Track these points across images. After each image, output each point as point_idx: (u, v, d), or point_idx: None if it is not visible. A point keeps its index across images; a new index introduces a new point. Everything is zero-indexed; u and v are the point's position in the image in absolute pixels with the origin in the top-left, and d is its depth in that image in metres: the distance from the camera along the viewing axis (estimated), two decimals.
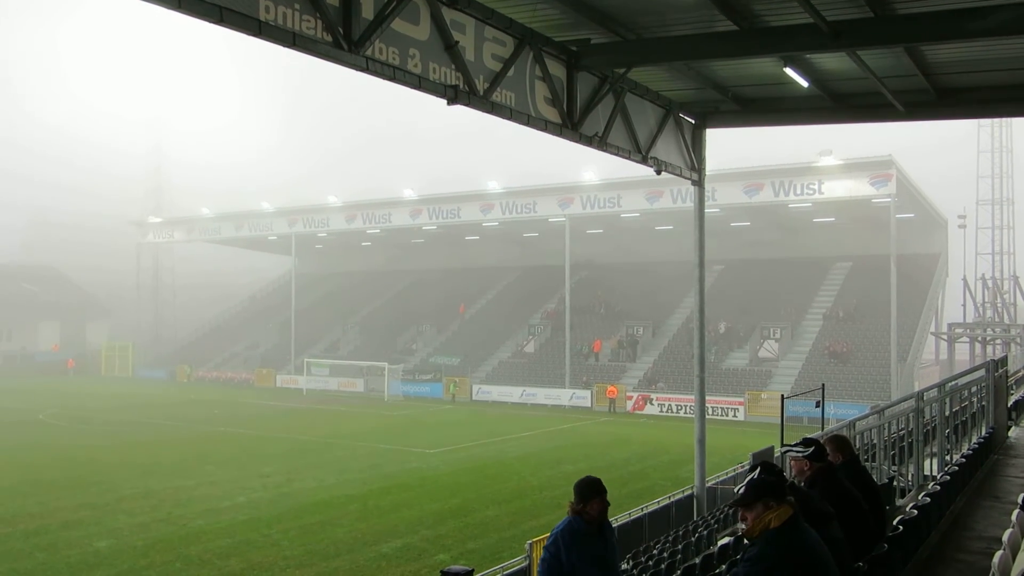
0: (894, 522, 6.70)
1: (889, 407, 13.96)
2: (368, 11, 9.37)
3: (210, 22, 7.96)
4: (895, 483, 11.02)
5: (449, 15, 10.62)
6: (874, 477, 9.17)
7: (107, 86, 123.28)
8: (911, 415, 12.29)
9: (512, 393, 48.23)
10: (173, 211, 76.47)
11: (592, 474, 6.65)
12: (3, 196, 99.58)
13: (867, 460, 12.22)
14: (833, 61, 13.89)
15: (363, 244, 69.71)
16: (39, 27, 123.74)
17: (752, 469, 5.45)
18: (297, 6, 8.64)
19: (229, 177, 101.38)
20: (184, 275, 79.97)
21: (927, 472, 11.62)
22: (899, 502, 10.46)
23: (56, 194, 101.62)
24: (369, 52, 9.45)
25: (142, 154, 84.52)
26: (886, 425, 12.89)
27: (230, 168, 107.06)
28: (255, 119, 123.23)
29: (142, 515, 20.59)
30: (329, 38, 8.98)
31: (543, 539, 13.94)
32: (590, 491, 6.32)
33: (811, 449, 6.24)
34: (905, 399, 14.03)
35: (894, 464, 12.32)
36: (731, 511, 15.63)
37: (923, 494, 8.41)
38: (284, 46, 8.72)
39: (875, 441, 12.82)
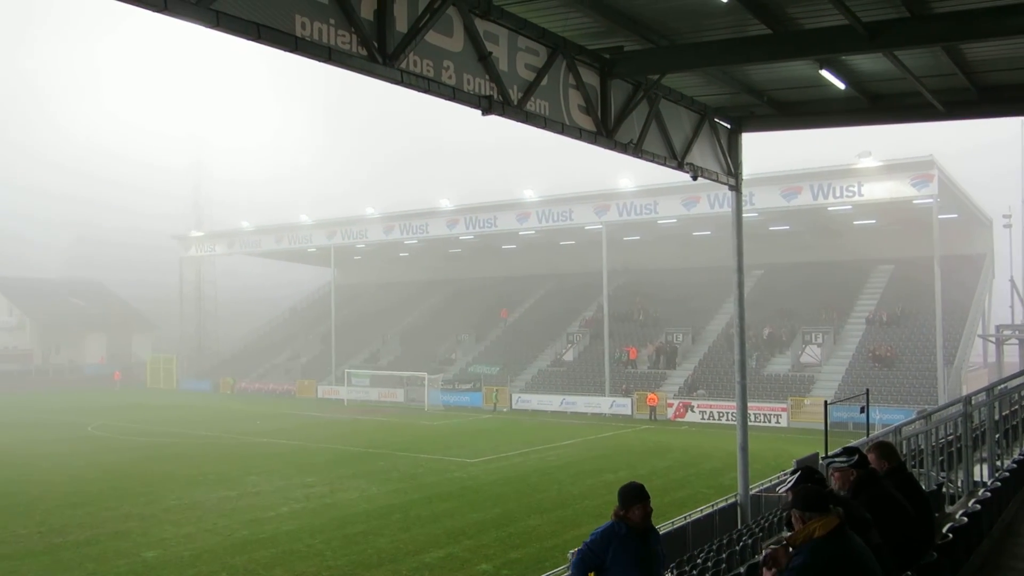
0: (944, 530, 6.58)
1: (936, 412, 13.73)
2: (402, 24, 9.43)
3: (247, 39, 8.07)
4: (944, 490, 10.83)
5: (482, 26, 10.66)
6: (922, 484, 9.02)
7: (147, 103, 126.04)
8: (959, 420, 12.07)
9: (552, 402, 48.15)
10: (214, 226, 77.57)
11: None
12: (49, 215, 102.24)
13: (914, 467, 12.02)
14: (870, 62, 13.72)
15: (401, 255, 70.13)
16: (79, 46, 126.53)
17: (793, 474, 5.44)
18: (332, 21, 8.72)
19: (268, 193, 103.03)
20: (226, 288, 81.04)
21: (977, 478, 11.41)
22: (948, 509, 10.28)
23: (99, 211, 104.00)
24: (404, 65, 9.51)
25: (182, 170, 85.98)
26: (933, 430, 12.67)
27: (268, 184, 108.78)
28: (293, 136, 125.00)
29: (188, 525, 20.87)
30: (364, 52, 9.05)
31: None
32: (631, 497, 6.39)
33: (855, 457, 6.17)
34: (953, 404, 13.79)
35: (942, 470, 12.10)
36: (776, 519, 15.45)
37: (973, 501, 8.24)
38: (320, 61, 8.80)
39: (922, 447, 12.60)
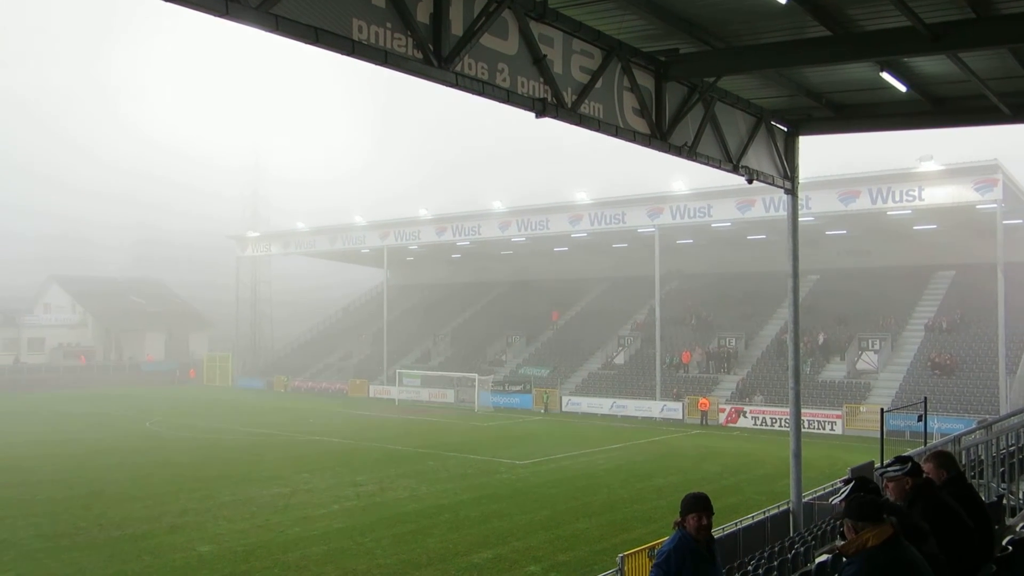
0: (1003, 542, 6.42)
1: (997, 421, 13.42)
2: (457, 27, 9.49)
3: (305, 43, 8.19)
4: (1005, 502, 10.58)
5: (537, 29, 10.66)
6: (982, 495, 8.82)
7: (207, 104, 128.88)
8: (1022, 430, 11.77)
9: (602, 405, 47.99)
10: (270, 227, 78.78)
11: (686, 488, 6.62)
12: (113, 216, 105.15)
13: (974, 477, 11.75)
14: (932, 64, 13.43)
15: (453, 256, 70.48)
16: (142, 47, 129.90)
17: (847, 483, 5.36)
18: (389, 25, 8.80)
19: (323, 195, 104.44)
20: (281, 288, 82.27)
21: None
22: (1009, 521, 10.02)
23: (161, 212, 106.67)
24: (458, 68, 9.56)
25: (241, 171, 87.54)
26: (994, 440, 12.37)
27: (324, 186, 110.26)
28: (350, 139, 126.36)
29: (241, 521, 21.23)
30: (419, 55, 9.12)
31: (634, 552, 13.85)
32: (688, 506, 6.32)
33: (908, 465, 6.07)
34: (1015, 413, 13.46)
35: (1003, 482, 11.81)
36: (829, 527, 15.22)
37: None
38: (376, 64, 8.88)
39: (982, 457, 12.31)
